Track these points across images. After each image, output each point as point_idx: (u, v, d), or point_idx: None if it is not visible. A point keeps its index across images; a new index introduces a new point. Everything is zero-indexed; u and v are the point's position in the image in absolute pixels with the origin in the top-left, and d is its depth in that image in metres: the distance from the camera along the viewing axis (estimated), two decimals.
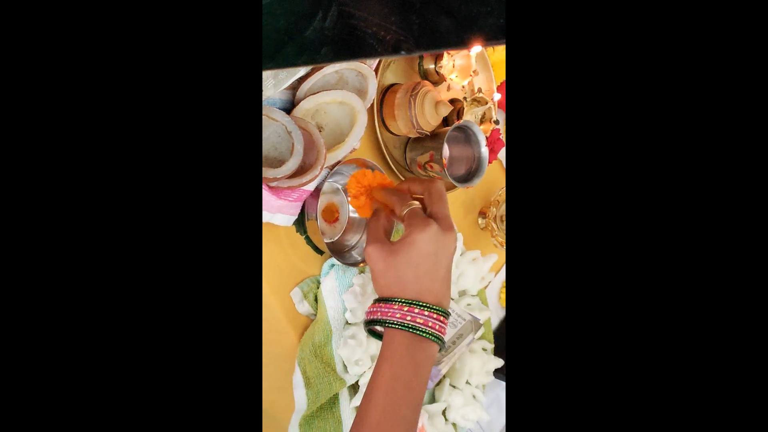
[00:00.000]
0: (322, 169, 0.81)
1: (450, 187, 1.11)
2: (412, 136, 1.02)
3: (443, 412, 1.03)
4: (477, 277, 1.07)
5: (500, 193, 1.16)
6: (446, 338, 0.95)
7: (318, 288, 0.90)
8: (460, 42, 0.35)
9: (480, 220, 1.21)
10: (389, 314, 0.69)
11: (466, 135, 1.06)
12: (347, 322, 0.89)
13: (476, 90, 1.13)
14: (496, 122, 1.14)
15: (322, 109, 0.87)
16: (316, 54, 0.45)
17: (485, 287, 1.13)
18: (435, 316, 0.69)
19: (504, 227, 1.16)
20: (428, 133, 1.01)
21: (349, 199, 0.87)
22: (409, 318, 0.68)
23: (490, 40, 0.36)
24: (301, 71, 0.81)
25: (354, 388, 0.91)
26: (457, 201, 1.18)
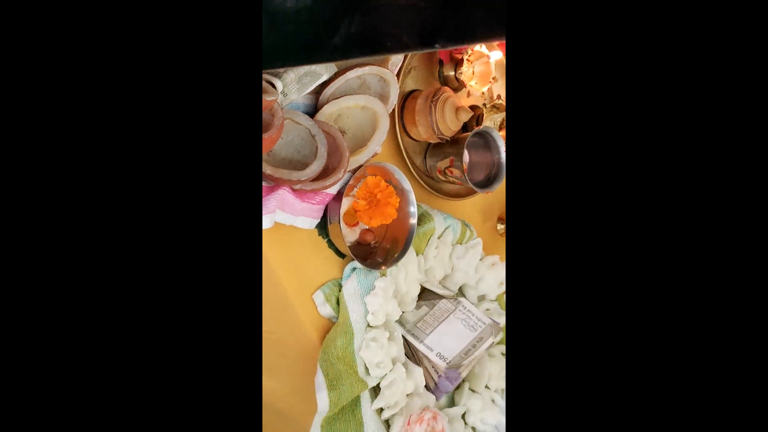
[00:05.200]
0: (344, 172, 0.83)
1: (470, 193, 1.12)
2: (433, 141, 1.03)
3: (462, 416, 1.03)
4: (496, 282, 1.08)
5: None
6: (466, 342, 0.95)
7: (340, 291, 0.91)
8: (494, 34, 0.36)
9: (499, 226, 1.22)
10: None
11: (485, 141, 1.06)
12: (369, 325, 0.90)
13: (495, 96, 1.14)
14: None
15: (344, 114, 0.89)
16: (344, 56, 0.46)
17: (504, 292, 1.13)
18: None
19: None
20: (448, 139, 1.02)
21: (354, 198, 0.89)
22: None
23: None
24: (324, 76, 0.82)
25: (375, 390, 0.91)
26: (476, 207, 1.18)
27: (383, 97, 0.91)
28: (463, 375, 0.99)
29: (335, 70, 0.84)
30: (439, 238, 1.01)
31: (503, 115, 1.13)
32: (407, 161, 1.01)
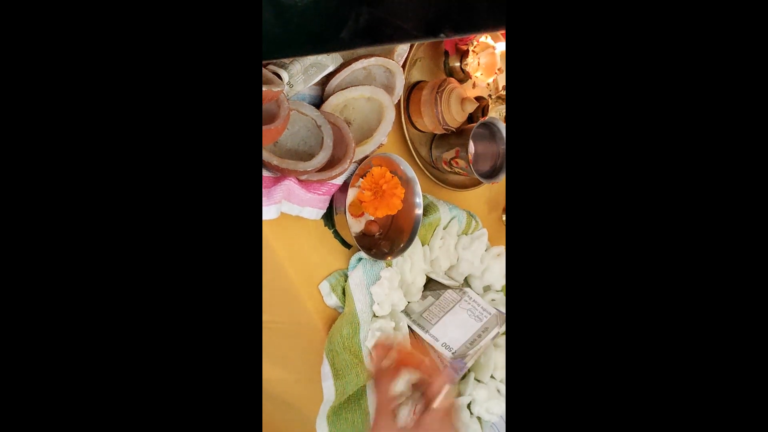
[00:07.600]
0: (350, 163, 0.83)
1: (475, 183, 1.12)
2: (438, 132, 1.03)
3: (468, 406, 1.03)
4: (501, 273, 1.08)
5: None
6: (471, 332, 0.95)
7: (346, 281, 0.91)
8: (499, 24, 0.36)
9: (504, 217, 1.22)
10: None
11: (491, 132, 1.07)
12: (375, 315, 0.90)
13: (501, 87, 1.13)
14: None
15: (350, 105, 0.89)
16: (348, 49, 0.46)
17: None
18: None
19: None
20: (454, 130, 1.02)
21: (360, 189, 0.89)
22: None
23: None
24: (330, 67, 0.82)
25: None
26: (482, 197, 1.19)
27: (389, 88, 0.91)
28: (469, 365, 0.99)
29: (341, 61, 0.85)
30: (444, 228, 1.01)
31: None
32: (413, 152, 1.01)
